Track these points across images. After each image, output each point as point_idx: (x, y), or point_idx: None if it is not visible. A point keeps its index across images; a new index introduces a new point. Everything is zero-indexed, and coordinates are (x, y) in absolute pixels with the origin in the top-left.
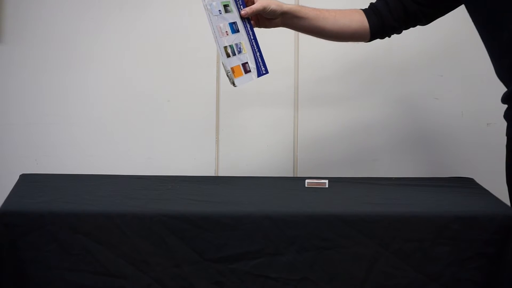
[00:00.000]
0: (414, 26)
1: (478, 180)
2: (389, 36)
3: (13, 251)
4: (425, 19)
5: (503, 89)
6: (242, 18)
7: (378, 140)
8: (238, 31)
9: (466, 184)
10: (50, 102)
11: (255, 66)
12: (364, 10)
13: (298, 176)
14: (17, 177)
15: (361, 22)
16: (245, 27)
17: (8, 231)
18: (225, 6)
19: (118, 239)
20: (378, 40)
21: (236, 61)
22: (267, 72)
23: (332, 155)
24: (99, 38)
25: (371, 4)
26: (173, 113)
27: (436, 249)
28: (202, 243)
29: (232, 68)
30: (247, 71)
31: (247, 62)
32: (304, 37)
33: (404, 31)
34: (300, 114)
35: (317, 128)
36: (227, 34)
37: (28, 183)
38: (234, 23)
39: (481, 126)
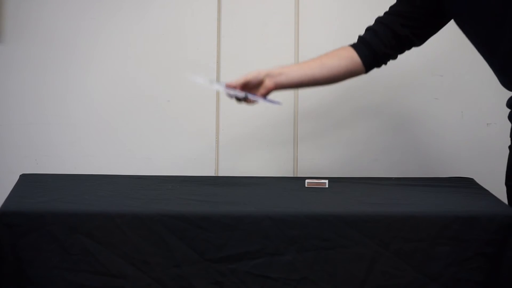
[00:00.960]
0: (409, 49)
1: (478, 180)
2: (386, 64)
3: (13, 251)
4: (418, 40)
5: (503, 89)
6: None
7: (378, 140)
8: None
9: (466, 184)
10: (50, 102)
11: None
12: (353, 45)
13: (298, 176)
14: (17, 177)
15: (351, 57)
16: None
17: (8, 231)
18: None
19: (118, 239)
20: None
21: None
22: (279, 103)
23: (332, 155)
24: (99, 38)
25: (359, 36)
26: (173, 113)
27: (436, 249)
28: (202, 243)
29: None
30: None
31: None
32: (304, 37)
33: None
34: (300, 114)
35: (317, 128)
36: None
37: (28, 183)
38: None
39: (481, 126)
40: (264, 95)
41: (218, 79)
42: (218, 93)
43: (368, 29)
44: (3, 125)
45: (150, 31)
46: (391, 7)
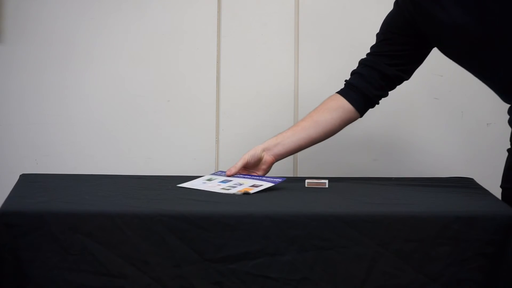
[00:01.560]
0: (399, 84)
1: (478, 180)
2: (378, 103)
3: (13, 251)
4: (407, 75)
5: None
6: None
7: (378, 140)
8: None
9: (466, 184)
10: (50, 102)
11: (268, 183)
12: (341, 92)
13: (298, 176)
14: (17, 177)
15: (342, 107)
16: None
17: (8, 231)
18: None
19: (118, 239)
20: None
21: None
22: (283, 179)
23: (332, 155)
24: (99, 38)
25: (347, 82)
26: (173, 113)
27: (436, 249)
28: (202, 243)
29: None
30: (258, 185)
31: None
32: (304, 37)
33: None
34: (300, 114)
35: None
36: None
37: (28, 183)
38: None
39: (481, 126)
40: (266, 170)
41: (218, 79)
42: (218, 93)
43: (354, 73)
44: (3, 125)
45: (150, 31)
46: (372, 48)
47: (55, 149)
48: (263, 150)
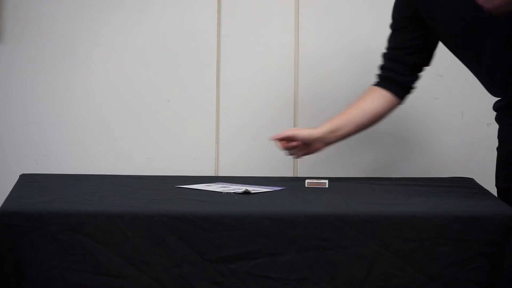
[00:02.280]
0: (421, 71)
1: (478, 180)
2: (416, 87)
3: (13, 251)
4: (426, 62)
5: None
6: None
7: (378, 140)
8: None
9: (466, 184)
10: (50, 102)
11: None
12: (378, 84)
13: (298, 176)
14: (17, 177)
15: (383, 96)
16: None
17: (8, 231)
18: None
19: (118, 239)
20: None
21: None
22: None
23: (332, 155)
24: (99, 38)
25: (379, 75)
26: (173, 113)
27: (436, 249)
28: (202, 243)
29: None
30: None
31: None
32: (304, 37)
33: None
34: (300, 114)
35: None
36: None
37: (28, 183)
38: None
39: (481, 126)
40: (307, 153)
41: (218, 79)
42: (218, 93)
43: (382, 68)
44: (3, 125)
45: (150, 31)
46: (389, 42)
47: (55, 149)
48: (318, 139)
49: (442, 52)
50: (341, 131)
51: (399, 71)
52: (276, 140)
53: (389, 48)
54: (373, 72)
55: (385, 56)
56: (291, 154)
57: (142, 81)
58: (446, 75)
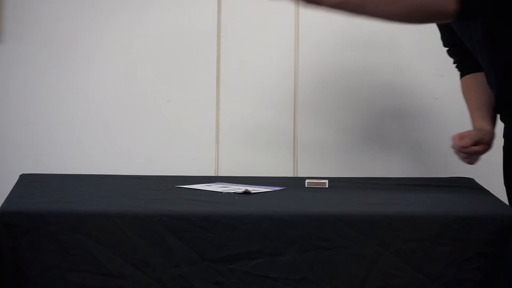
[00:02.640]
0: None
1: (478, 180)
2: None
3: (13, 251)
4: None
5: None
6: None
7: (378, 140)
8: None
9: (466, 184)
10: (50, 102)
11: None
12: (466, 74)
13: (298, 176)
14: (17, 177)
15: (480, 76)
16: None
17: (8, 231)
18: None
19: (118, 239)
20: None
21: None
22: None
23: (332, 155)
24: (99, 38)
25: (461, 67)
26: (173, 113)
27: (436, 249)
28: (202, 243)
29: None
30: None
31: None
32: (304, 37)
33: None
34: (300, 114)
35: (317, 128)
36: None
37: (28, 183)
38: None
39: None
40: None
41: (218, 79)
42: (218, 93)
43: (458, 62)
44: (3, 125)
45: (150, 31)
46: (443, 42)
47: (55, 149)
48: (490, 131)
49: (442, 52)
50: (489, 130)
51: (468, 60)
52: (462, 149)
53: (446, 46)
54: (373, 72)
55: (450, 53)
56: (473, 161)
57: (142, 81)
58: (446, 75)
